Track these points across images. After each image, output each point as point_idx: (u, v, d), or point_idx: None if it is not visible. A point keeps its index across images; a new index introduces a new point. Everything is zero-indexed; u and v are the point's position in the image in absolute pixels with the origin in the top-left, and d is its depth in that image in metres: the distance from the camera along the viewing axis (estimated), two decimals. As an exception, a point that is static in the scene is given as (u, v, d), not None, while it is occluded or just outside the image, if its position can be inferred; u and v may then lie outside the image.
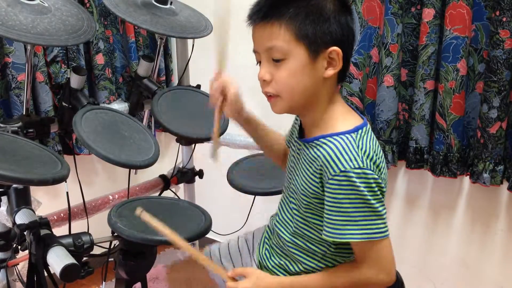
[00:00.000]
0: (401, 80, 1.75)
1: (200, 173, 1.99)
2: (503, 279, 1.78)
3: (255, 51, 0.99)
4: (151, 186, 1.87)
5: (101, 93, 2.10)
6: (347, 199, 0.92)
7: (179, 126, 1.47)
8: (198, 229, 1.33)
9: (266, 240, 1.17)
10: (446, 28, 1.60)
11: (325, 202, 0.96)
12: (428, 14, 1.61)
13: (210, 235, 1.37)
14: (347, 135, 0.95)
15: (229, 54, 1.07)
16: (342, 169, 0.91)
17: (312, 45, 0.93)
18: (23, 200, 1.27)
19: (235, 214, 1.85)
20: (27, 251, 1.19)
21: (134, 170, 1.79)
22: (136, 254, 1.33)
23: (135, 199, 1.50)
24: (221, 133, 1.30)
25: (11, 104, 1.85)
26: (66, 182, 1.11)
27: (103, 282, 1.54)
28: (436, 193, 1.87)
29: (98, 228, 1.44)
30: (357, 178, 0.91)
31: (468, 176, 1.72)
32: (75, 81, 1.46)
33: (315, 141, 0.99)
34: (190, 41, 1.83)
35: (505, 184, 1.65)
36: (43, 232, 1.15)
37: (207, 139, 1.53)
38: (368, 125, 1.00)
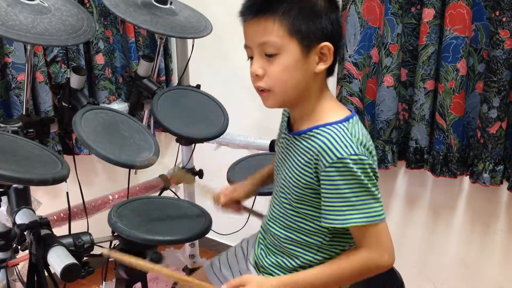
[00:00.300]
0: (401, 80, 1.75)
1: (200, 173, 1.99)
2: (503, 279, 1.78)
3: (246, 46, 1.01)
4: (151, 186, 1.87)
5: (101, 93, 2.10)
6: (346, 184, 0.94)
7: (179, 126, 1.47)
8: (198, 229, 1.33)
9: (260, 240, 1.18)
10: (446, 28, 1.60)
11: (323, 191, 0.97)
12: (428, 14, 1.61)
13: (210, 235, 1.37)
14: (339, 124, 0.98)
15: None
16: (339, 156, 0.94)
17: (304, 40, 0.95)
18: (23, 200, 1.27)
19: (234, 214, 1.85)
20: (27, 251, 1.19)
21: (134, 170, 1.79)
22: (136, 254, 1.33)
23: (135, 199, 1.50)
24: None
25: (11, 104, 1.85)
26: (66, 182, 1.11)
27: (103, 282, 1.54)
28: (436, 193, 1.87)
29: (98, 228, 1.44)
30: (354, 164, 0.93)
31: (468, 176, 1.72)
32: (75, 81, 1.46)
33: (308, 133, 1.00)
34: (190, 41, 1.84)
35: (505, 184, 1.65)
36: (43, 232, 1.16)
37: (207, 139, 1.53)
38: (357, 116, 1.03)
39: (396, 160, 1.81)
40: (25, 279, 1.20)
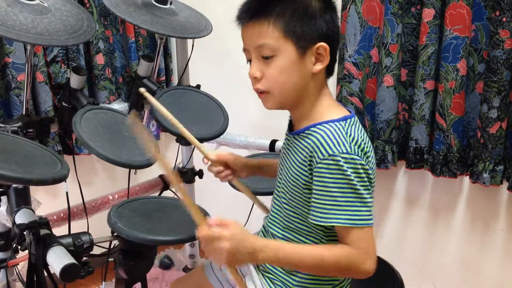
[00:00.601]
0: (401, 80, 1.75)
1: (200, 173, 1.99)
2: (503, 279, 1.78)
3: (245, 50, 1.02)
4: (151, 186, 1.87)
5: (101, 93, 2.10)
6: (334, 183, 0.93)
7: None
8: (198, 229, 1.33)
9: None
10: (446, 28, 1.60)
11: (313, 187, 0.97)
12: (428, 14, 1.61)
13: (210, 235, 1.37)
14: (336, 122, 0.98)
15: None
16: (331, 152, 0.93)
17: (299, 41, 0.96)
18: (23, 200, 1.27)
19: (235, 214, 1.84)
20: (27, 251, 1.19)
21: (134, 170, 1.79)
22: (136, 254, 1.33)
23: (135, 199, 1.50)
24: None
25: (11, 104, 1.85)
26: (65, 182, 1.11)
27: (103, 282, 1.54)
28: (436, 193, 1.87)
29: (98, 228, 1.44)
30: (344, 162, 0.93)
31: (468, 176, 1.72)
32: (75, 81, 1.46)
33: (305, 131, 1.01)
34: (190, 41, 1.84)
35: (505, 184, 1.65)
36: (43, 232, 1.16)
37: (207, 139, 1.53)
38: (356, 118, 1.02)
39: (396, 160, 1.81)
40: (25, 279, 1.20)
